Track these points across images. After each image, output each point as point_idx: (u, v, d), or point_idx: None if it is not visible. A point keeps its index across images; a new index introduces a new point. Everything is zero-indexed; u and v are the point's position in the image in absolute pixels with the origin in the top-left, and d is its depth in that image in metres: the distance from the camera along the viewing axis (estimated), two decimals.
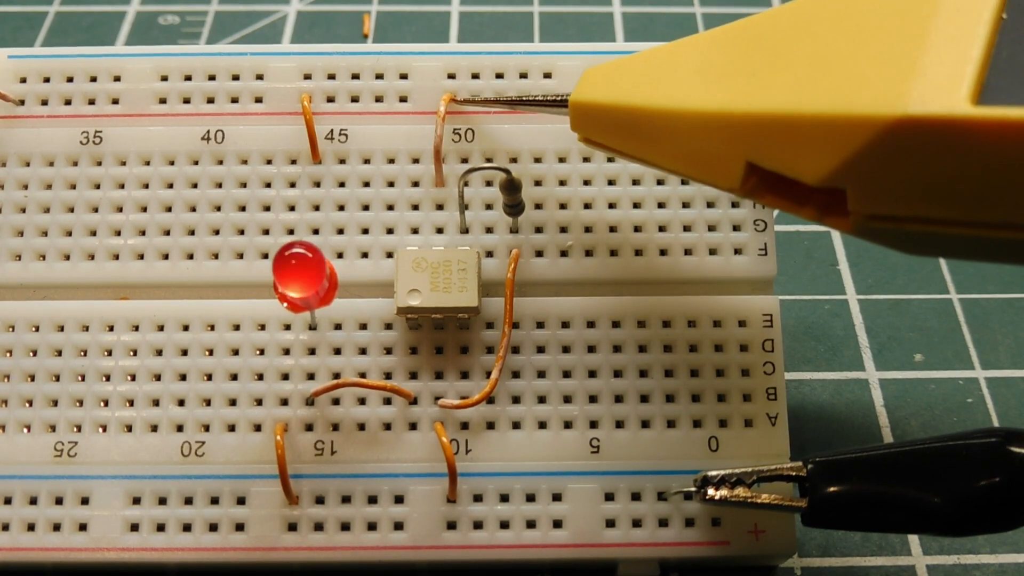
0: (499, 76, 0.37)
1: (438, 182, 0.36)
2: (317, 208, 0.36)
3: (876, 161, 0.23)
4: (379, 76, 0.37)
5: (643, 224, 0.36)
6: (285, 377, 0.35)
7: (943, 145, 0.22)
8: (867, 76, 0.23)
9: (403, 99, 0.37)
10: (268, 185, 0.36)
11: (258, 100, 0.37)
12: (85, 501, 0.34)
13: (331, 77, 0.37)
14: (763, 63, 0.26)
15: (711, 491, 0.32)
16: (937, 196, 0.23)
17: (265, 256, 0.36)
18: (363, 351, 0.35)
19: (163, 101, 0.37)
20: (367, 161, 0.37)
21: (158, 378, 0.35)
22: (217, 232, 0.36)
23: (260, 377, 0.35)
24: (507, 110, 0.36)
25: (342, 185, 0.36)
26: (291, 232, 0.36)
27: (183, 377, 0.35)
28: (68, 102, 0.37)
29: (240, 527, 0.34)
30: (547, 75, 0.37)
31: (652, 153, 0.30)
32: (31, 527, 0.34)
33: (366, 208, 0.36)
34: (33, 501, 0.34)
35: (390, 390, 0.34)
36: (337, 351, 0.35)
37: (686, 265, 0.36)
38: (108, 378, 0.35)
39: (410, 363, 0.35)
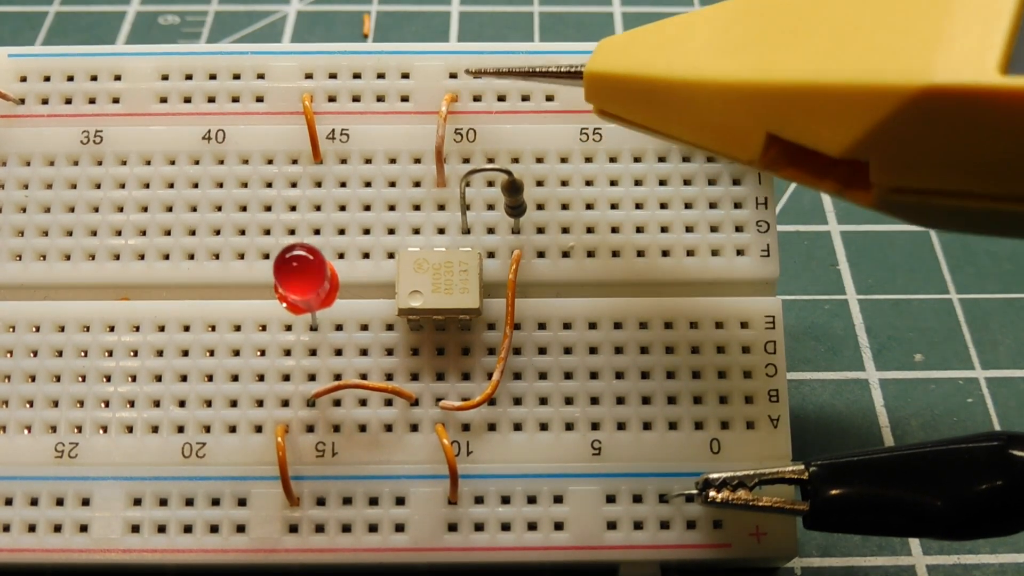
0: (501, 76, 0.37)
1: (440, 182, 0.36)
2: (318, 208, 0.36)
3: (901, 132, 0.22)
4: (381, 75, 0.37)
5: (645, 225, 0.36)
6: (286, 378, 0.35)
7: (970, 115, 0.21)
8: (892, 45, 0.23)
9: (405, 99, 0.37)
10: (269, 185, 0.36)
11: (259, 99, 0.37)
12: (86, 502, 0.34)
13: (332, 76, 0.37)
14: (785, 32, 0.26)
15: (712, 493, 0.32)
16: (963, 168, 0.22)
17: (266, 256, 0.36)
18: (364, 352, 0.35)
19: (164, 100, 0.37)
20: (368, 161, 0.36)
21: (159, 379, 0.35)
22: (218, 232, 0.36)
23: (261, 378, 0.35)
24: (516, 110, 0.36)
25: (343, 185, 0.36)
26: (292, 232, 0.36)
27: (184, 378, 0.35)
28: (68, 101, 0.37)
29: (241, 528, 0.34)
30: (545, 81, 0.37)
31: (669, 125, 0.29)
32: (32, 528, 0.34)
33: (367, 208, 0.36)
34: (34, 502, 0.34)
35: (391, 391, 0.34)
36: (338, 352, 0.35)
37: (688, 266, 0.36)
38: (109, 379, 0.35)
39: (411, 364, 0.35)
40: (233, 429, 0.35)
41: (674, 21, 0.29)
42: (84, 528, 0.34)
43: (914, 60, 0.22)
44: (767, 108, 0.25)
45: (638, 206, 0.36)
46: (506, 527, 0.34)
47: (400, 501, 0.34)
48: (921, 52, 0.22)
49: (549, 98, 0.37)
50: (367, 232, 0.36)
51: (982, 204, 0.23)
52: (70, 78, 0.37)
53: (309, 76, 0.37)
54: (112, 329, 0.35)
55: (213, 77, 0.37)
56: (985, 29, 0.22)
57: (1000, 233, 0.25)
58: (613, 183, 0.36)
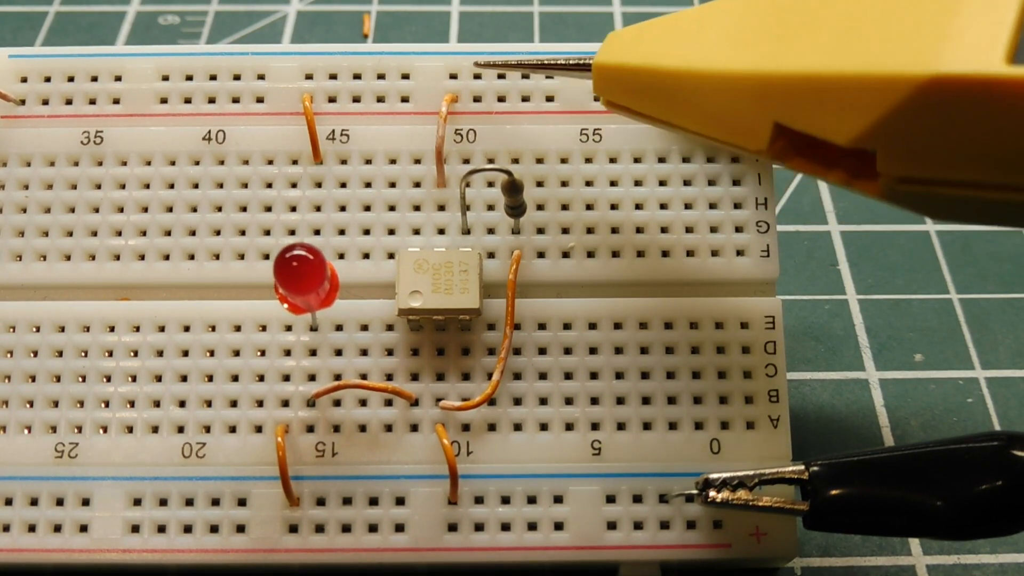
0: (501, 76, 0.37)
1: (440, 183, 0.36)
2: (318, 209, 0.36)
3: (908, 121, 0.22)
4: (381, 76, 0.37)
5: (645, 225, 0.36)
6: (286, 378, 0.35)
7: (977, 105, 0.21)
8: (900, 35, 0.23)
9: (405, 99, 0.37)
10: (269, 186, 0.36)
11: (259, 100, 0.37)
12: (86, 502, 0.34)
13: (333, 77, 0.37)
14: (794, 23, 0.26)
15: (713, 494, 0.32)
16: (969, 158, 0.22)
17: (266, 257, 0.36)
18: (364, 352, 0.35)
19: (164, 101, 0.37)
20: (369, 162, 0.36)
21: (159, 379, 0.35)
22: (218, 233, 0.36)
23: (261, 378, 0.35)
24: (516, 110, 0.36)
25: (344, 186, 0.36)
26: (292, 233, 0.36)
27: (184, 378, 0.35)
28: (69, 102, 0.37)
29: (241, 529, 0.34)
30: (549, 76, 0.37)
31: (677, 115, 0.29)
32: (32, 528, 0.34)
33: (367, 209, 0.36)
34: (34, 502, 0.34)
35: (391, 392, 0.34)
36: (338, 352, 0.35)
37: (688, 267, 0.36)
38: (109, 379, 0.35)
39: (411, 364, 0.35)
40: (233, 429, 0.35)
41: (682, 15, 0.30)
42: (84, 528, 0.34)
43: (922, 50, 0.22)
44: (775, 98, 0.25)
45: (638, 207, 0.36)
46: (506, 527, 0.34)
47: (400, 501, 0.34)
48: (929, 42, 0.22)
49: (549, 98, 0.37)
50: (367, 232, 0.36)
51: (988, 194, 0.23)
52: (70, 79, 0.37)
53: (309, 77, 0.37)
54: (112, 329, 0.35)
55: (213, 78, 0.37)
56: (992, 19, 0.22)
57: (1007, 223, 0.25)
58: (613, 183, 0.36)
